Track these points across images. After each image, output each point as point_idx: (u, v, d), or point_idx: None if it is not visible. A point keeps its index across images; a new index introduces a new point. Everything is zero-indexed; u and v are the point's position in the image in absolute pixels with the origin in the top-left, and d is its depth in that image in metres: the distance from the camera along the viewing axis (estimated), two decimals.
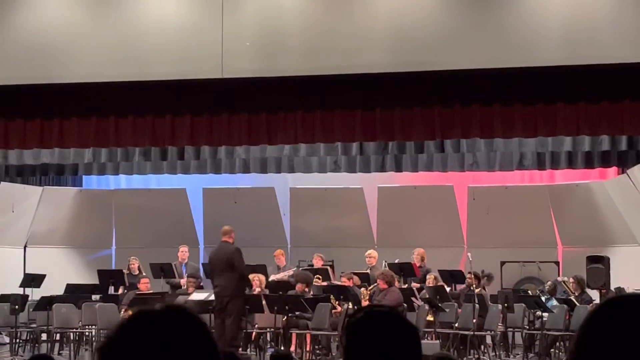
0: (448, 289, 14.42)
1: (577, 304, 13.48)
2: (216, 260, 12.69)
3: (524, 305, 13.63)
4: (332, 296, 13.53)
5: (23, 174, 17.01)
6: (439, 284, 14.34)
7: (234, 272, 12.52)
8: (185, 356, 1.81)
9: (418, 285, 14.57)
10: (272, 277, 15.01)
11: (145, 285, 14.69)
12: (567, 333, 13.21)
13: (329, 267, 15.27)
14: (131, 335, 1.82)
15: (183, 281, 15.32)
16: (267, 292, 13.98)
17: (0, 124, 12.46)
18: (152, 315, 1.85)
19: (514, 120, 11.44)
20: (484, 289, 14.28)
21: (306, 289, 14.03)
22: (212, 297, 12.97)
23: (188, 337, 1.82)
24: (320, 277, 14.70)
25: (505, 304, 13.19)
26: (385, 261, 14.95)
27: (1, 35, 11.96)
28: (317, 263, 15.43)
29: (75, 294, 14.79)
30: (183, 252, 15.99)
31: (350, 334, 2.48)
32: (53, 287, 14.93)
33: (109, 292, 15.10)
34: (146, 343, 1.79)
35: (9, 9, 11.93)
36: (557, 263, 16.12)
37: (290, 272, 15.17)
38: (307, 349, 13.67)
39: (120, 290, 15.30)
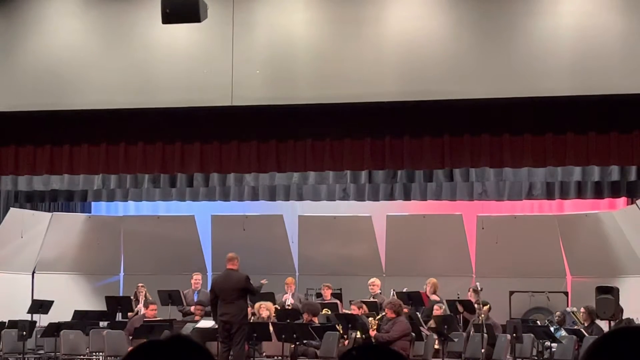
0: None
1: (586, 334, 13.40)
2: (225, 288, 12.41)
3: (532, 335, 13.54)
4: (340, 325, 13.47)
5: (32, 200, 17.09)
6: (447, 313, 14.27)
7: (244, 300, 12.44)
8: None
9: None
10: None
11: (153, 312, 14.58)
12: None
13: (338, 302, 15.20)
14: None
15: (193, 308, 15.26)
16: (275, 320, 13.94)
17: (10, 150, 12.52)
18: (158, 345, 1.86)
19: (523, 149, 11.44)
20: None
21: (313, 319, 13.97)
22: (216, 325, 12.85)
23: None
24: (329, 310, 14.66)
25: (514, 334, 13.11)
26: (394, 290, 14.90)
27: (12, 63, 12.04)
28: (326, 293, 15.38)
29: (83, 320, 14.75)
30: (196, 280, 15.94)
31: None
32: (61, 313, 14.90)
33: (117, 319, 15.06)
34: None
35: (21, 37, 12.01)
36: (566, 293, 16.04)
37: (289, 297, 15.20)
38: None
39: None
